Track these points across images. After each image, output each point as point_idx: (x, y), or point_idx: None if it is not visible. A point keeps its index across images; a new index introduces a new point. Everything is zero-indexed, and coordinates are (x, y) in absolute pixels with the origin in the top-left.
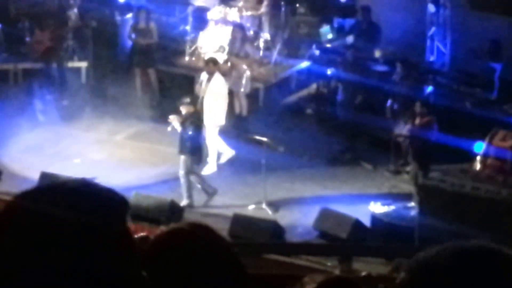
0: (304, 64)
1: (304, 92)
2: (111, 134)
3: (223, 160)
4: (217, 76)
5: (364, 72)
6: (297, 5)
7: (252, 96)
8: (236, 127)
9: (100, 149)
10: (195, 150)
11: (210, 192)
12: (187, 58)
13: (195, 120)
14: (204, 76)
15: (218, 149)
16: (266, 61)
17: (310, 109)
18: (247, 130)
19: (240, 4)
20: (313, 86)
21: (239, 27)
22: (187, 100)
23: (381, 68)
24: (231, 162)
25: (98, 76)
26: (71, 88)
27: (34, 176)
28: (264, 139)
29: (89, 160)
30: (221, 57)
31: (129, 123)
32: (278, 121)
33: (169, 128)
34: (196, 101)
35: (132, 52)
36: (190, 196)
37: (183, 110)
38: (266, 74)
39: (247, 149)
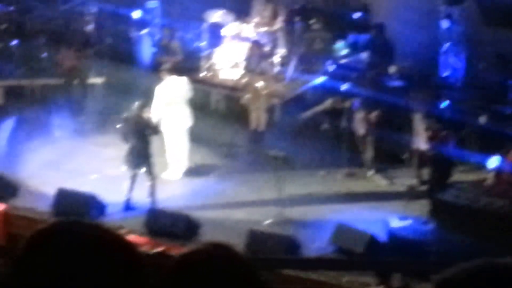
0: (319, 79)
1: (319, 108)
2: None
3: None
4: (180, 79)
5: (379, 87)
6: (312, 21)
7: (267, 111)
8: (252, 142)
9: (117, 165)
10: None
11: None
12: (202, 74)
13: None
14: (164, 85)
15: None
16: (281, 77)
17: (326, 124)
18: (262, 146)
19: (255, 20)
20: (328, 102)
21: (256, 44)
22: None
23: (396, 83)
24: (246, 177)
25: (114, 92)
26: (88, 104)
27: (50, 191)
28: (280, 154)
29: (105, 176)
30: (237, 73)
31: None
32: (294, 136)
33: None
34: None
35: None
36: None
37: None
38: (281, 90)
39: (263, 165)
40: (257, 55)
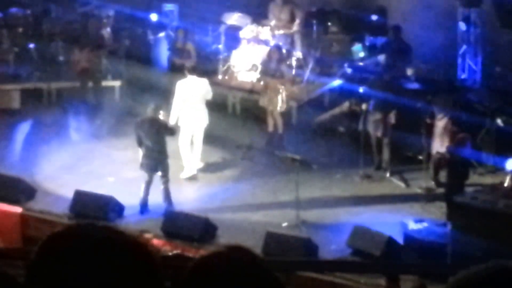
0: (336, 82)
1: (336, 110)
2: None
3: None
4: (200, 80)
5: (397, 90)
6: (329, 23)
7: (285, 114)
8: (269, 145)
9: (134, 168)
10: None
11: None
12: (220, 77)
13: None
14: (184, 82)
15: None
16: (298, 79)
17: (343, 127)
18: (279, 148)
19: (272, 23)
20: (345, 104)
21: (276, 48)
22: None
23: (413, 86)
24: (263, 179)
25: (131, 95)
26: (105, 107)
27: (68, 194)
28: (297, 156)
29: (122, 179)
30: (254, 76)
31: None
32: (311, 139)
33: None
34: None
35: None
36: None
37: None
38: (298, 93)
39: (280, 167)
40: (276, 59)
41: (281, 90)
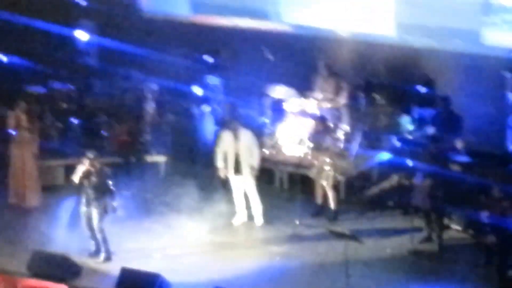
0: (385, 155)
1: (385, 184)
2: (192, 228)
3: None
4: (243, 130)
5: (446, 163)
6: (376, 96)
7: (333, 188)
8: (317, 219)
9: (180, 245)
10: None
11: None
12: (267, 152)
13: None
14: (227, 135)
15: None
16: (346, 153)
17: (392, 201)
18: (328, 223)
19: (318, 95)
20: (394, 178)
21: (321, 120)
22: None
23: (463, 158)
24: (312, 254)
25: (177, 170)
26: (150, 183)
27: (114, 271)
28: (345, 231)
29: (169, 256)
30: (301, 150)
31: (209, 217)
32: (360, 213)
33: None
34: None
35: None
36: None
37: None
38: (346, 167)
39: (328, 240)
40: (322, 132)
41: (329, 163)
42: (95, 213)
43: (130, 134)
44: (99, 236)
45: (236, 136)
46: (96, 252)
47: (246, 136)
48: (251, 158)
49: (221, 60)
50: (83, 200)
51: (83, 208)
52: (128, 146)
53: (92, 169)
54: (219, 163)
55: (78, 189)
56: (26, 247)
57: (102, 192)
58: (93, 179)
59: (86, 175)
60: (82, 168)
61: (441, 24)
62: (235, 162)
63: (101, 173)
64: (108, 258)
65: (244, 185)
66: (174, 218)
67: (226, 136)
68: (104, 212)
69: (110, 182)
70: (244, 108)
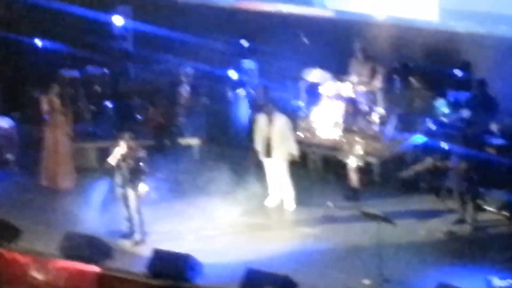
0: (419, 138)
1: (419, 167)
2: (224, 210)
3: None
4: (277, 114)
5: (481, 145)
6: (411, 79)
7: (367, 170)
8: (350, 201)
9: (214, 226)
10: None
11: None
12: (301, 134)
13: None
14: (262, 118)
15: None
16: (380, 136)
17: (426, 183)
18: (361, 205)
19: (354, 79)
20: (429, 161)
21: (350, 102)
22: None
23: (498, 141)
24: (344, 235)
25: (211, 153)
26: (183, 165)
27: (146, 253)
28: (378, 213)
29: (202, 237)
30: (335, 133)
31: (242, 199)
32: (393, 195)
33: None
34: None
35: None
36: None
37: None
38: (381, 149)
39: (361, 222)
40: (352, 113)
41: (358, 145)
42: (131, 195)
43: (165, 117)
44: (136, 217)
45: (270, 120)
46: (129, 234)
47: (280, 121)
48: (284, 143)
49: (257, 45)
50: (119, 182)
51: (119, 190)
52: (163, 129)
53: (129, 152)
54: (257, 146)
55: (111, 172)
56: (58, 228)
57: (137, 174)
58: (129, 161)
59: (123, 157)
60: (119, 150)
61: (486, 9)
62: (267, 146)
63: (137, 156)
64: (142, 240)
65: (276, 168)
66: (206, 200)
67: (261, 119)
68: (139, 194)
69: (146, 165)
70: (279, 92)
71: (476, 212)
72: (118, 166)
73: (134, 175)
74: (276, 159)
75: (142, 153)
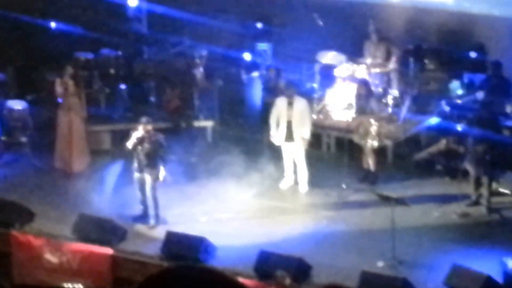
0: (434, 120)
1: (433, 148)
2: (237, 193)
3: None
4: (298, 98)
5: (496, 127)
6: (426, 61)
7: (381, 152)
8: (364, 183)
9: (227, 208)
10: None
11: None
12: (314, 116)
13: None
14: (282, 101)
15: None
16: (395, 117)
17: (440, 165)
18: (374, 186)
19: (368, 61)
20: (443, 142)
21: (363, 83)
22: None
23: None
24: (358, 218)
25: (224, 136)
26: (197, 147)
27: (159, 235)
28: (393, 195)
29: (215, 219)
30: (350, 115)
31: (255, 182)
32: (408, 177)
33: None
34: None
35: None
36: None
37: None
38: (395, 131)
39: (375, 205)
40: (364, 95)
41: (373, 126)
42: (148, 179)
43: (181, 99)
44: (151, 202)
45: (290, 103)
46: (143, 217)
47: (300, 105)
48: (303, 127)
49: (272, 27)
50: (136, 165)
51: (136, 174)
52: (180, 111)
53: (146, 136)
54: (273, 129)
55: (126, 154)
56: (72, 211)
57: (154, 158)
58: (146, 145)
59: (140, 141)
60: (136, 134)
61: None
62: (287, 129)
63: (155, 140)
64: (156, 223)
65: (293, 151)
66: (220, 182)
67: (281, 103)
68: (156, 178)
69: (163, 149)
70: (293, 73)
71: (491, 194)
72: (135, 149)
73: (151, 159)
74: (295, 143)
75: (159, 137)
